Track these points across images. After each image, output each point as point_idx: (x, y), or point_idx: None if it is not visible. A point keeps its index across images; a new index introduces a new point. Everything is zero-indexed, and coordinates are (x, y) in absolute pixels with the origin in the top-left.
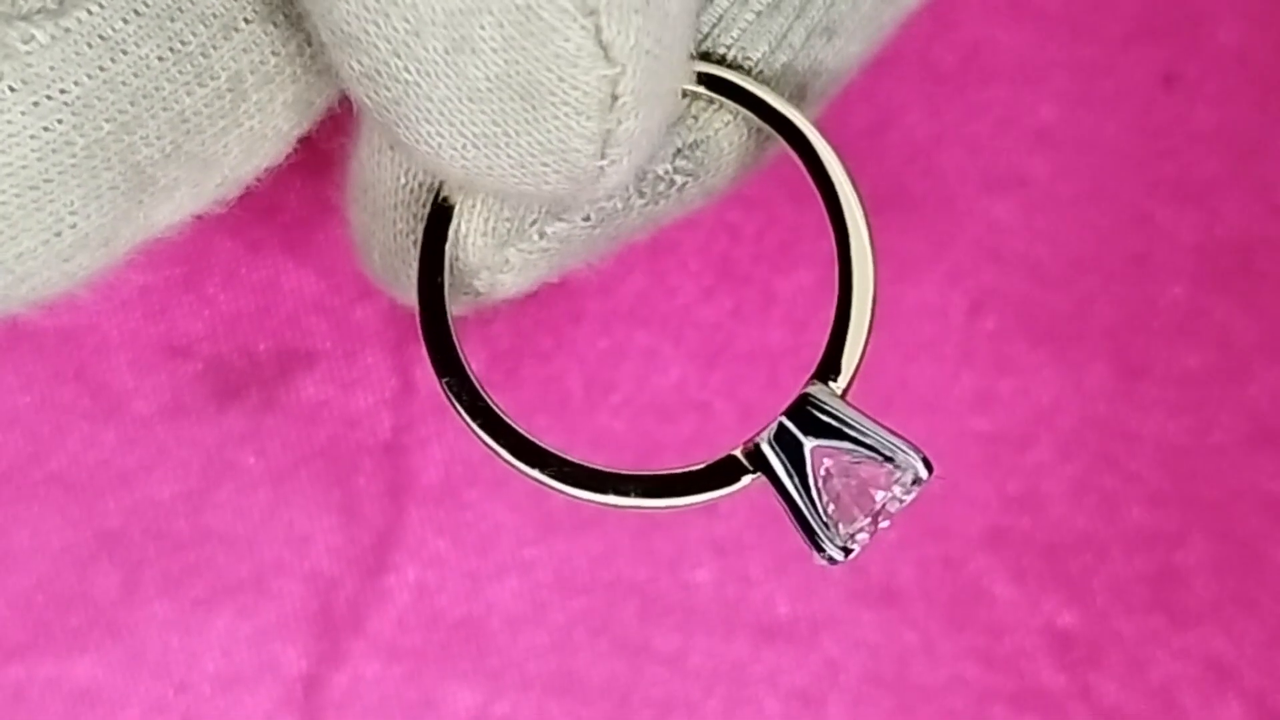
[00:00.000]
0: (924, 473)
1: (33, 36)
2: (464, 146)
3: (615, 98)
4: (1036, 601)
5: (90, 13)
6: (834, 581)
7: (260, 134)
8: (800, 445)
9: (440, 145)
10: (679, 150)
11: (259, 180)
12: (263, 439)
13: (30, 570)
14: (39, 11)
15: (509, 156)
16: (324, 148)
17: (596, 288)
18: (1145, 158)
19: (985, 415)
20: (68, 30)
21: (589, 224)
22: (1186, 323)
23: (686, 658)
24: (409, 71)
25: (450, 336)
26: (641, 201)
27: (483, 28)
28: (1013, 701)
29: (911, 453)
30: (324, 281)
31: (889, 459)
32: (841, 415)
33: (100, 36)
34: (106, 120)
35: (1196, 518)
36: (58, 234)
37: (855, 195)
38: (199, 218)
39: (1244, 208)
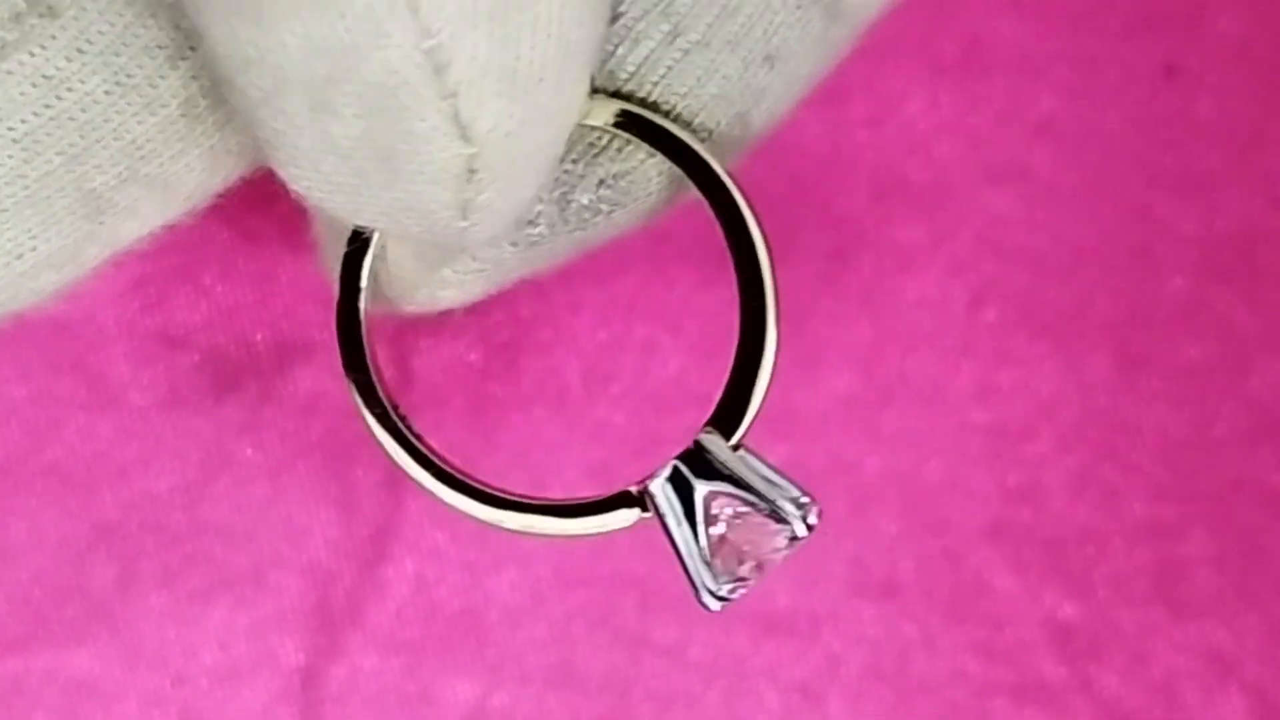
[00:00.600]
0: (801, 531)
1: None
2: (330, 193)
3: (473, 172)
4: (1037, 594)
5: (32, 54)
6: (834, 575)
7: (222, 150)
8: (691, 488)
9: (308, 188)
10: (602, 181)
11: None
12: (260, 431)
13: (27, 563)
14: None
15: (372, 208)
16: None
17: (595, 278)
18: (1146, 150)
19: (985, 407)
20: (10, 73)
21: (518, 249)
22: (1187, 315)
23: (686, 650)
24: (276, 121)
25: (364, 353)
26: (568, 228)
27: (343, 96)
28: (1014, 694)
29: (793, 509)
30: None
31: (773, 512)
32: (730, 465)
33: (44, 76)
34: (56, 153)
35: (1198, 510)
36: (19, 257)
37: (766, 247)
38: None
39: (1245, 200)
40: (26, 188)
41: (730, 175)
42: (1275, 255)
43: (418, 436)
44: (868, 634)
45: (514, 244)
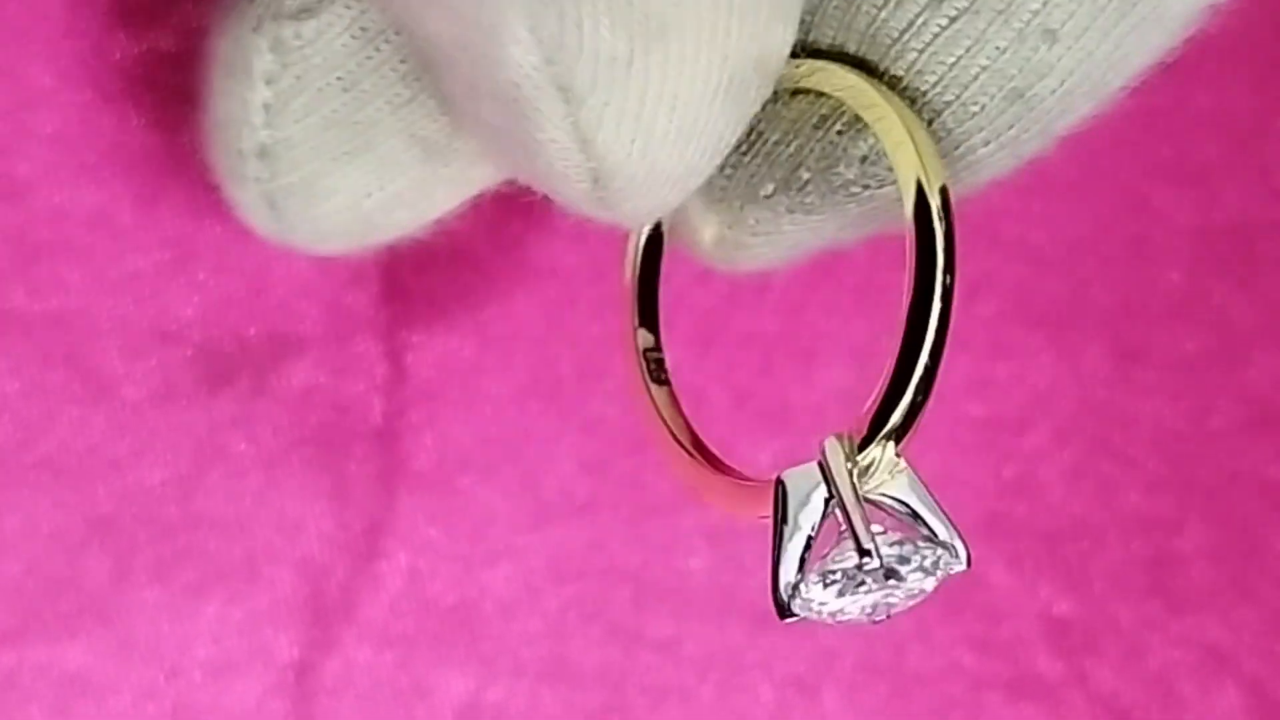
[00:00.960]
0: (870, 564)
1: (300, 33)
2: (498, 160)
3: (597, 180)
4: (1033, 588)
5: (348, 7)
6: None
7: None
8: (809, 492)
9: (484, 150)
10: (865, 157)
11: None
12: (253, 424)
13: (20, 556)
14: (302, 10)
15: (534, 182)
16: None
17: (589, 272)
18: (1143, 141)
19: (981, 400)
20: (329, 25)
21: (795, 216)
22: (1184, 307)
23: (681, 645)
24: (445, 87)
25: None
26: (839, 200)
27: (484, 88)
28: (1009, 689)
29: (870, 541)
30: (315, 266)
31: (864, 553)
32: (838, 478)
33: (361, 28)
34: (384, 102)
35: (1194, 503)
36: (366, 197)
37: (948, 297)
38: None
39: (1242, 191)
40: (359, 134)
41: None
42: (1272, 246)
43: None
44: (862, 627)
45: (790, 211)
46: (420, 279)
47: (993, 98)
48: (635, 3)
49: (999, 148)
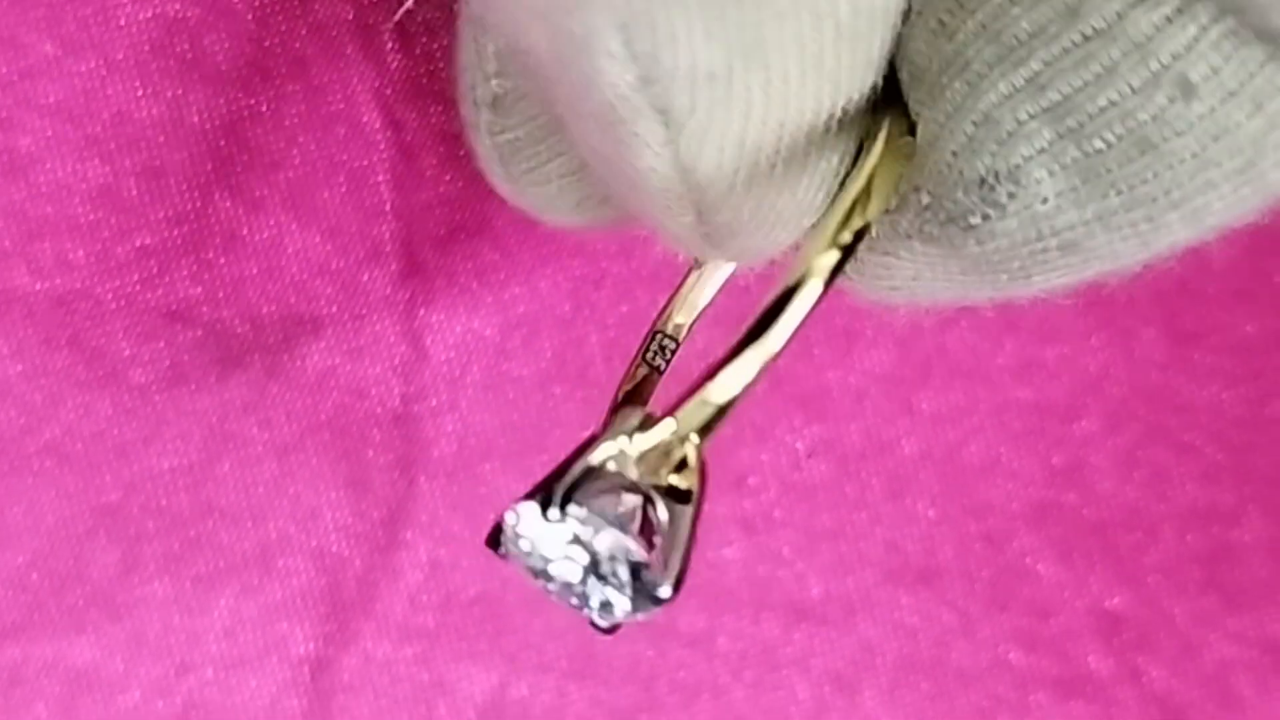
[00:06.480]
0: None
1: None
2: (613, 193)
3: (700, 214)
4: (1083, 581)
5: None
6: (869, 561)
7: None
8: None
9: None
10: (982, 180)
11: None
12: (267, 409)
13: (25, 547)
14: None
15: (643, 217)
16: (328, 102)
17: (617, 251)
18: None
19: (1030, 384)
20: None
21: (913, 245)
22: (1243, 287)
23: (714, 639)
24: (555, 110)
25: None
26: (958, 230)
27: (585, 109)
28: (1058, 686)
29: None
30: (330, 243)
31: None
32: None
33: None
34: None
35: (1253, 493)
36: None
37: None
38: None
39: None
40: None
41: None
42: None
43: None
44: (904, 622)
45: (908, 236)
46: (440, 257)
47: (1120, 139)
48: (729, 14)
49: (1129, 203)
